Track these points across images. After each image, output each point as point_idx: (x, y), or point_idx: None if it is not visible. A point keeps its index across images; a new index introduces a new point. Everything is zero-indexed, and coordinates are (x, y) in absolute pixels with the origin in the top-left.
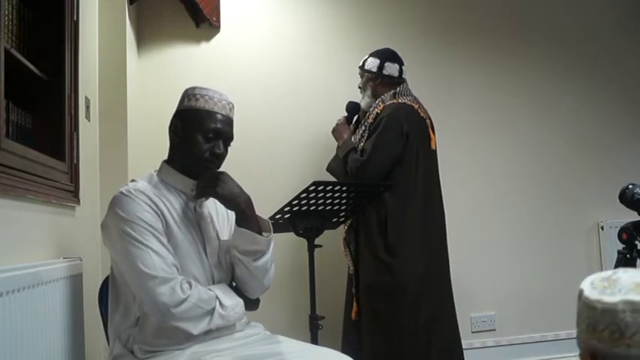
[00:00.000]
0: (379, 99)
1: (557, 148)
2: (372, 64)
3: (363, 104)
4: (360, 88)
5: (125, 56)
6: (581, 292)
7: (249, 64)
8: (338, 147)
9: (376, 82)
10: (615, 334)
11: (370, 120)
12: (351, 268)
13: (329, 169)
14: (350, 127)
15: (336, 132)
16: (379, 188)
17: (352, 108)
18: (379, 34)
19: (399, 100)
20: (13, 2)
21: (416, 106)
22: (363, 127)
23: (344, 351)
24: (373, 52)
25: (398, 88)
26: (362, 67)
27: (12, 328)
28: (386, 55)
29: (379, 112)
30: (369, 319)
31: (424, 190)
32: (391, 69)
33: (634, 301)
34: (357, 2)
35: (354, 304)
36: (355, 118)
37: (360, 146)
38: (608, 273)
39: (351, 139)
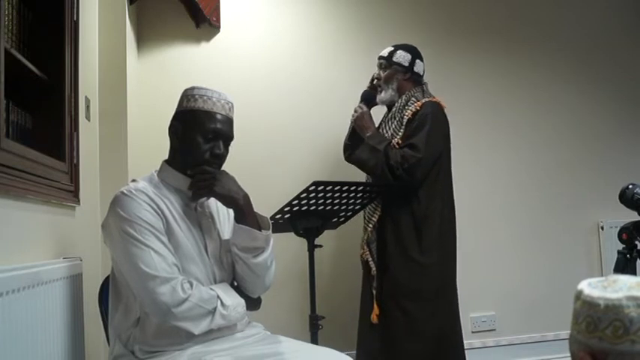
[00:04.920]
0: (408, 95)
1: (558, 148)
2: (404, 58)
3: (383, 96)
4: (377, 78)
5: (125, 56)
6: (580, 292)
7: (249, 64)
8: (367, 136)
9: (405, 76)
10: (619, 331)
11: (409, 115)
12: (373, 268)
13: (357, 160)
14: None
15: (361, 120)
16: (380, 189)
17: (369, 97)
18: (379, 34)
19: (433, 99)
20: (13, 2)
21: (445, 105)
22: (396, 122)
23: (359, 353)
24: (401, 46)
25: (424, 87)
26: (388, 59)
27: (12, 328)
28: (416, 52)
29: (418, 109)
30: (396, 321)
31: (449, 191)
32: (419, 67)
33: (638, 297)
34: (357, 3)
35: (375, 306)
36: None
37: (394, 141)
38: (603, 277)
39: (378, 130)
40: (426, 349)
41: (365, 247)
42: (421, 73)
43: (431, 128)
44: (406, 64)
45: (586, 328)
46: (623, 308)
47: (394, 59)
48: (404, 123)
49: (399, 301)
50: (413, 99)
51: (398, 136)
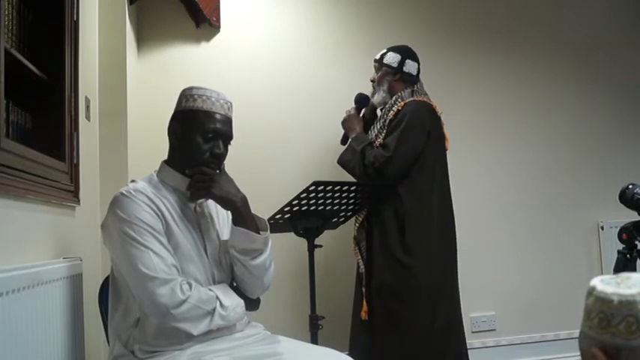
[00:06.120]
0: (397, 96)
1: (558, 148)
2: (393, 59)
3: (376, 98)
4: (372, 81)
5: (125, 56)
6: (593, 288)
7: (249, 64)
8: (352, 138)
9: (395, 77)
10: (632, 326)
11: (390, 116)
12: (362, 267)
13: (341, 162)
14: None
15: (347, 123)
16: (380, 189)
17: (362, 100)
18: (379, 34)
19: (419, 98)
20: (13, 2)
21: (434, 105)
22: (380, 123)
23: (352, 352)
24: (392, 47)
25: (415, 87)
26: (379, 61)
27: (12, 328)
28: (407, 52)
29: (400, 108)
30: (384, 320)
31: (440, 190)
32: (411, 67)
33: None
34: (357, 3)
35: (364, 303)
36: (362, 110)
37: (377, 142)
38: (615, 275)
39: (363, 131)
40: (419, 349)
41: (355, 246)
42: (414, 73)
43: (406, 127)
44: (395, 65)
45: (599, 324)
46: (637, 304)
47: (384, 61)
48: (386, 123)
49: (385, 300)
50: (399, 100)
51: (381, 137)
